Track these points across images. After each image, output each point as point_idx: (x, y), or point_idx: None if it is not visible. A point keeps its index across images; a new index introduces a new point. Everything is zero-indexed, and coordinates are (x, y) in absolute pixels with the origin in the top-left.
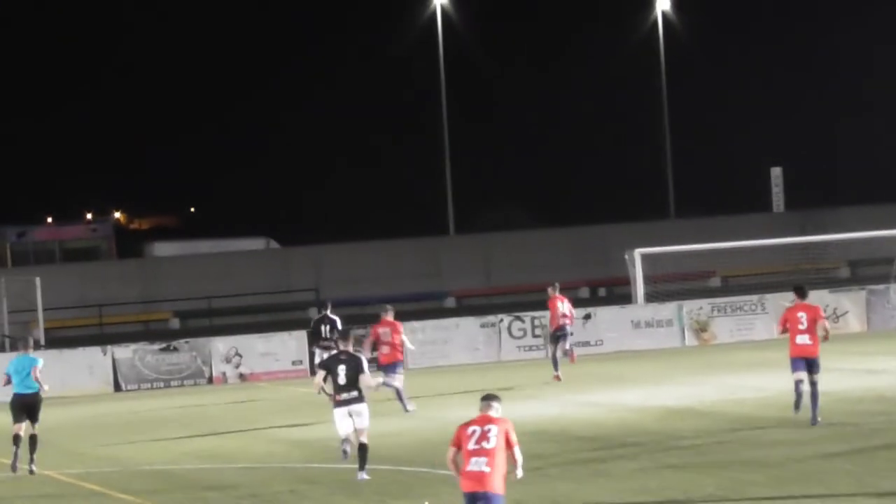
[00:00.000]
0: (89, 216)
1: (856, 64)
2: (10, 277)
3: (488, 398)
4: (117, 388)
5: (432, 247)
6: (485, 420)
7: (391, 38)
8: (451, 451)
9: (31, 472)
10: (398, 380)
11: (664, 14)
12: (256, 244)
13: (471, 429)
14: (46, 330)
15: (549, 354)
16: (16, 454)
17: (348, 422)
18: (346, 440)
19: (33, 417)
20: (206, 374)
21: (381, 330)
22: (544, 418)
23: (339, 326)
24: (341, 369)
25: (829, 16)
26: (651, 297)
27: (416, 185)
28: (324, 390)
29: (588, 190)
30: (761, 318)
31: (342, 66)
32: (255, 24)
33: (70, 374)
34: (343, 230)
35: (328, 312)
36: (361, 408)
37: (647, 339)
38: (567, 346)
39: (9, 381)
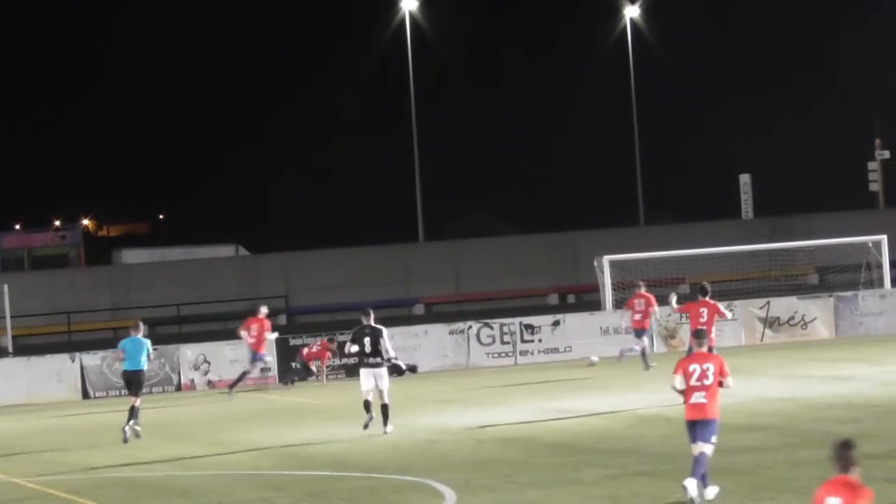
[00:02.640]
0: (58, 223)
1: (823, 71)
2: None
3: (700, 335)
4: (85, 395)
5: (402, 253)
6: (702, 358)
7: (360, 45)
8: (676, 378)
9: (125, 438)
10: (645, 343)
11: (633, 21)
12: (226, 251)
13: (692, 367)
14: (15, 338)
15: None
16: (134, 421)
17: (371, 381)
18: (367, 401)
19: (137, 391)
20: (175, 382)
21: (636, 301)
22: (514, 425)
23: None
24: (367, 340)
25: (797, 22)
26: (620, 304)
27: (386, 192)
28: (348, 355)
29: (558, 196)
30: (730, 325)
31: (311, 72)
32: (223, 33)
33: (38, 382)
34: (313, 237)
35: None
36: (382, 371)
37: (615, 345)
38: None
39: (123, 357)
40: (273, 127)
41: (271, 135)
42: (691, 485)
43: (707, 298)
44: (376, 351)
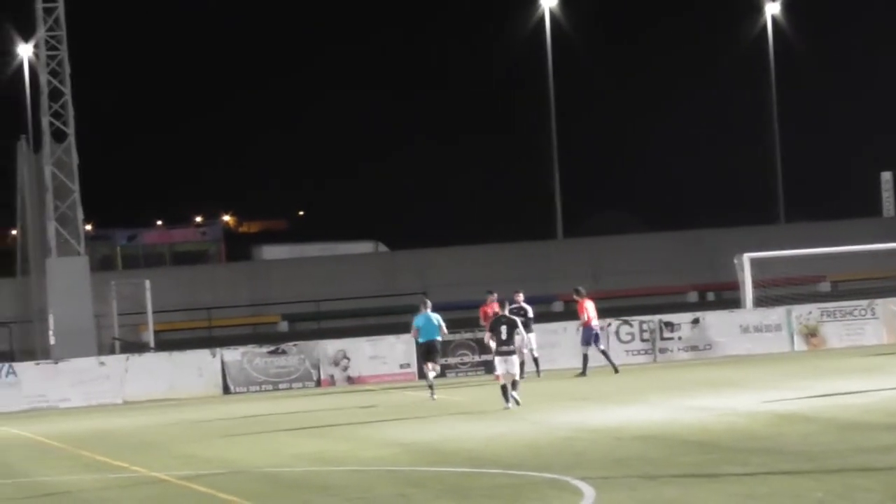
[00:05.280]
0: (199, 219)
1: None
2: (121, 280)
3: None
4: (226, 390)
5: (540, 250)
6: None
7: (499, 40)
8: None
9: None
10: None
11: (774, 17)
12: (364, 247)
13: None
14: (156, 332)
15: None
16: (431, 388)
17: (504, 366)
18: (504, 386)
19: (435, 358)
20: (315, 377)
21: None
22: (652, 423)
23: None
24: (503, 328)
25: None
26: (760, 302)
27: (525, 189)
28: (490, 344)
29: (697, 194)
30: (871, 323)
31: (452, 69)
32: (355, 33)
33: (179, 377)
34: (451, 234)
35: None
36: (514, 358)
37: (755, 343)
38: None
39: (418, 333)
40: (412, 124)
41: (412, 132)
42: None
43: None
44: (511, 339)
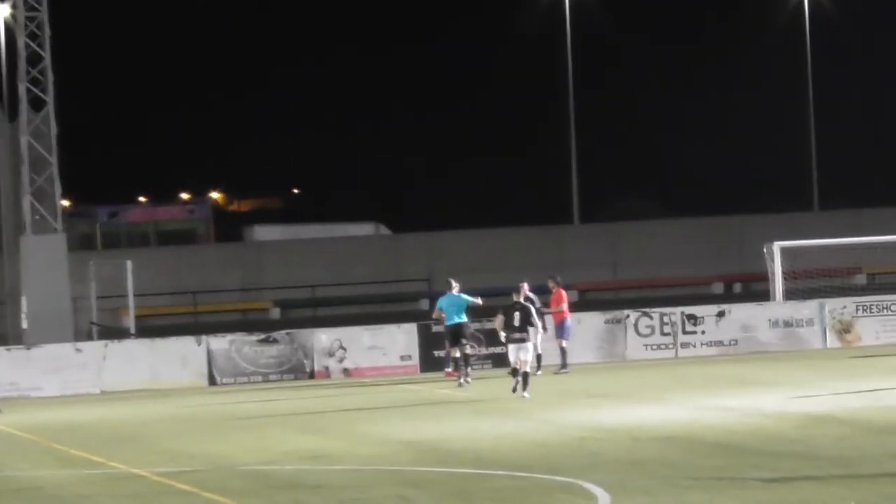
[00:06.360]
0: (186, 196)
1: None
2: (100, 261)
3: None
4: (212, 381)
5: (555, 236)
6: None
7: (518, 20)
8: None
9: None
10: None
11: None
12: (365, 229)
13: None
14: (138, 318)
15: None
16: (461, 372)
17: (517, 353)
18: (514, 369)
19: (460, 342)
20: (308, 369)
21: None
22: (673, 423)
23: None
24: (516, 315)
25: None
26: (791, 295)
27: (540, 171)
28: (500, 331)
29: (724, 179)
30: None
31: (463, 48)
32: (361, 11)
33: (162, 366)
34: (459, 216)
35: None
36: (527, 345)
37: (785, 339)
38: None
39: (443, 315)
40: (420, 101)
41: (418, 108)
42: None
43: None
44: (524, 326)
